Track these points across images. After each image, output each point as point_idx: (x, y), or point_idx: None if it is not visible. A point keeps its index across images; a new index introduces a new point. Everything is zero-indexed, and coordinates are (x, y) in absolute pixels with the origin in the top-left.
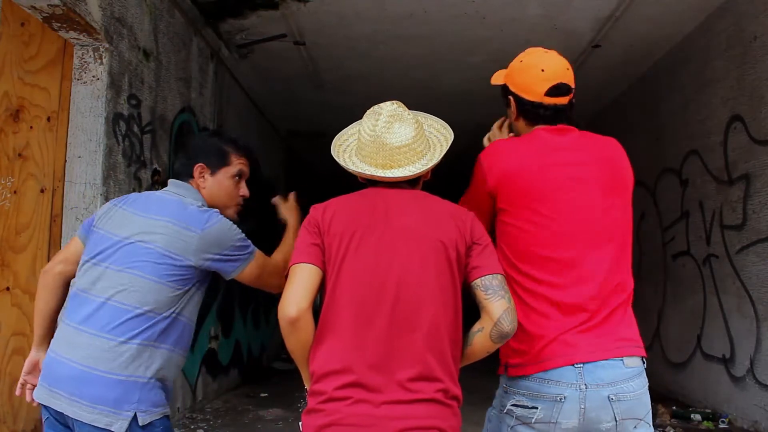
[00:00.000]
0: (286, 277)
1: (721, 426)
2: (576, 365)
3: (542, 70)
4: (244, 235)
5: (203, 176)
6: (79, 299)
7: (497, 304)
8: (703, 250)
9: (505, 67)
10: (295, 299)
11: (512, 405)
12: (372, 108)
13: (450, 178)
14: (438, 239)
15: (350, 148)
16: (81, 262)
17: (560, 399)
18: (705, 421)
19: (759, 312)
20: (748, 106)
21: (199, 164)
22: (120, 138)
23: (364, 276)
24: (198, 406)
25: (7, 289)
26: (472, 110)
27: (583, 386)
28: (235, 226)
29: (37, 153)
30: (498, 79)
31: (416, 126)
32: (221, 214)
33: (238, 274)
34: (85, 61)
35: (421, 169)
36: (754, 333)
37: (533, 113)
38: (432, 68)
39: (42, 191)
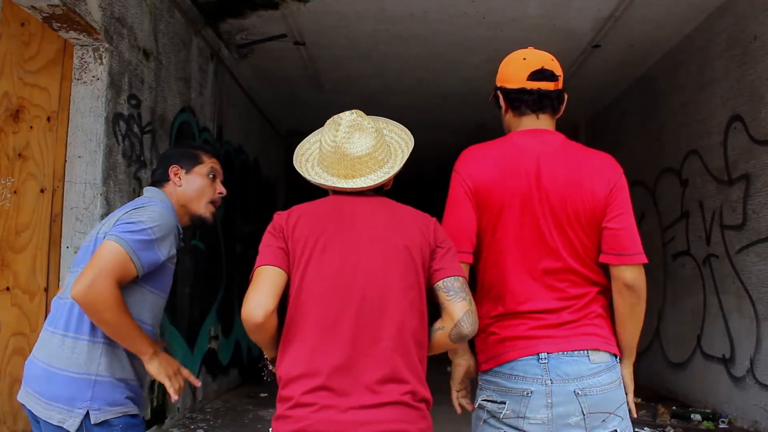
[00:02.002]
0: (250, 280)
1: (721, 426)
2: (540, 359)
3: (524, 59)
4: (152, 243)
5: (178, 176)
6: (53, 304)
7: (458, 305)
8: (703, 250)
9: None
10: (261, 301)
11: (483, 400)
12: (332, 118)
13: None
14: (403, 244)
15: (312, 158)
16: None
17: (527, 394)
18: (705, 421)
19: (759, 312)
20: (748, 106)
21: (173, 165)
22: (120, 138)
23: (328, 279)
24: (198, 406)
25: (7, 289)
26: (472, 110)
27: (548, 381)
28: (163, 229)
29: (37, 153)
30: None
31: (376, 135)
32: (196, 212)
33: (103, 241)
34: (85, 61)
35: (383, 178)
36: (754, 333)
37: (518, 100)
38: (432, 68)
39: (42, 191)
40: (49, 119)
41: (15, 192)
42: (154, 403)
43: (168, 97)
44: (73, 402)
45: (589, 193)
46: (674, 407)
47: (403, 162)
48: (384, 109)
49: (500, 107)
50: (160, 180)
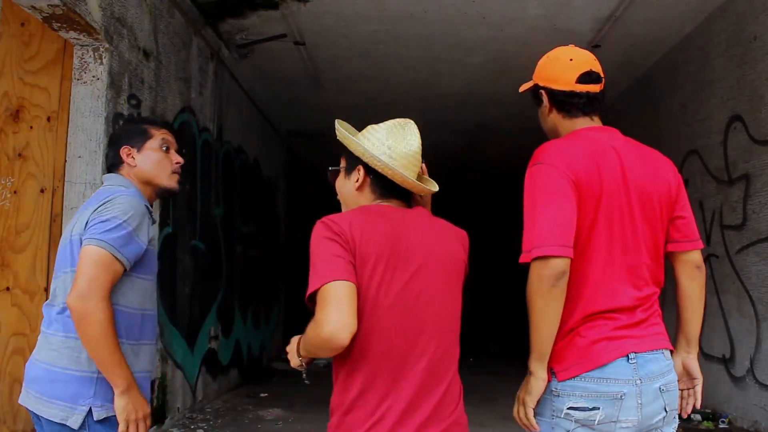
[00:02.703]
0: (312, 302)
1: (721, 426)
2: (630, 359)
3: (570, 60)
4: (129, 236)
5: (131, 156)
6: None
7: None
8: (703, 250)
9: (505, 67)
10: (346, 322)
11: (569, 408)
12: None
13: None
14: (452, 260)
15: (378, 139)
16: None
17: (620, 396)
18: (705, 421)
19: (759, 312)
20: (748, 106)
21: (124, 146)
22: None
23: (398, 308)
24: (198, 406)
25: (7, 289)
26: (472, 110)
27: (638, 381)
28: (136, 218)
29: (37, 153)
30: (526, 86)
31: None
32: (162, 185)
33: (83, 246)
34: (85, 61)
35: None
36: (754, 333)
37: (567, 103)
38: (432, 68)
39: (42, 191)
40: (49, 119)
41: (15, 192)
42: (154, 403)
43: (168, 97)
44: (76, 399)
45: (666, 185)
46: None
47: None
48: (384, 109)
49: (539, 104)
50: (114, 164)
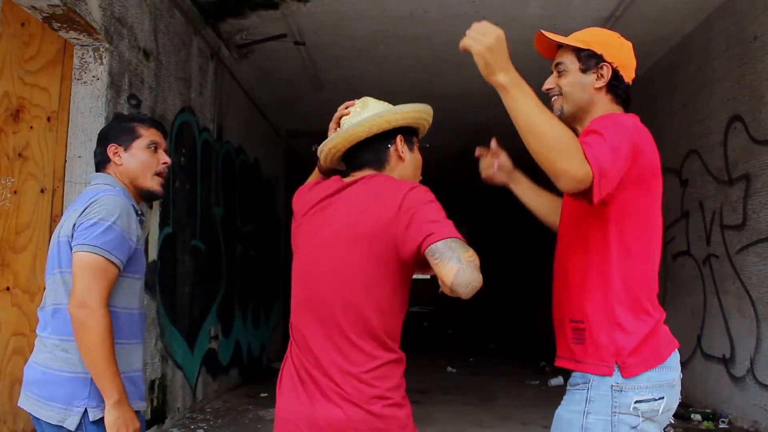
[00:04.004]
0: None
1: (721, 426)
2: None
3: (634, 56)
4: (121, 239)
5: (117, 154)
6: None
7: (446, 268)
8: (703, 250)
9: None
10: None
11: (636, 402)
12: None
13: (451, 178)
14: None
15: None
16: None
17: (674, 384)
18: (705, 421)
19: (759, 312)
20: (748, 106)
21: (111, 144)
22: None
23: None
24: (198, 406)
25: (7, 289)
26: (472, 110)
27: (679, 369)
28: (124, 219)
29: (37, 153)
30: (581, 42)
31: (376, 107)
32: (144, 186)
33: (77, 252)
34: (85, 61)
35: (357, 124)
36: (754, 333)
37: (626, 93)
38: (432, 68)
39: (42, 191)
40: (49, 119)
41: (15, 192)
42: (154, 403)
43: (168, 97)
44: (71, 401)
45: None
46: None
47: (397, 114)
48: None
49: (586, 70)
50: (101, 162)
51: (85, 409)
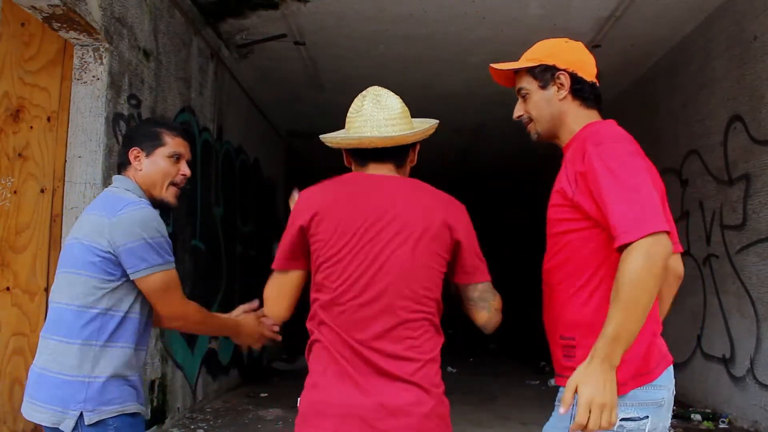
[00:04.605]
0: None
1: (721, 426)
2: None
3: (589, 52)
4: (166, 244)
5: (138, 159)
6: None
7: (480, 315)
8: (703, 250)
9: None
10: None
11: (622, 420)
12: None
13: (451, 178)
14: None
15: (340, 135)
16: None
17: (662, 403)
18: (705, 421)
19: (759, 312)
20: (748, 106)
21: (134, 148)
22: (120, 138)
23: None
24: (198, 406)
25: (7, 289)
26: (472, 110)
27: (672, 386)
28: (160, 227)
29: (37, 153)
30: (528, 62)
31: (401, 103)
32: (157, 196)
33: (142, 278)
34: (85, 61)
35: (413, 132)
36: (754, 333)
37: (592, 93)
38: (432, 68)
39: (42, 191)
40: (49, 119)
41: (15, 192)
42: (154, 403)
43: (168, 97)
44: (67, 404)
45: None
46: (674, 407)
47: (432, 131)
48: None
49: (545, 86)
50: (123, 163)
51: (81, 412)
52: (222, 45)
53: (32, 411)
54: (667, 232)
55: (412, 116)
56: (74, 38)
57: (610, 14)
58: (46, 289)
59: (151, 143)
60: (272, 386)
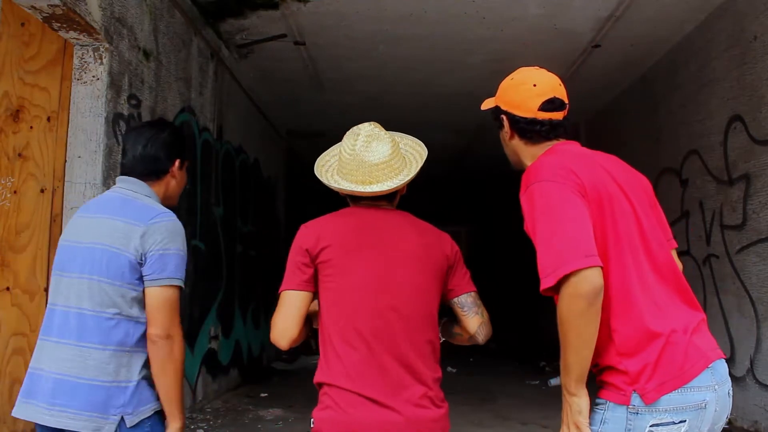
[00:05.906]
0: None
1: None
2: (709, 366)
3: (534, 85)
4: (184, 256)
5: (179, 169)
6: (50, 313)
7: (472, 320)
8: (703, 250)
9: (505, 67)
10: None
11: (652, 426)
12: (351, 129)
13: (451, 178)
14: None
15: (332, 168)
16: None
17: (704, 405)
18: None
19: (759, 312)
20: (748, 106)
21: (178, 158)
22: (120, 138)
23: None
24: (198, 406)
25: (7, 289)
26: (472, 110)
27: (716, 386)
28: (182, 242)
29: (37, 153)
30: (488, 103)
31: (392, 145)
32: (171, 205)
33: (158, 286)
34: (85, 61)
35: (399, 184)
36: (754, 333)
37: (529, 130)
38: (432, 68)
39: (42, 191)
40: (49, 119)
41: (15, 192)
42: None
43: (168, 97)
44: (107, 409)
45: (643, 185)
46: None
47: (418, 170)
48: (384, 109)
49: (500, 126)
50: (160, 170)
51: (122, 416)
52: (222, 45)
53: (64, 419)
54: (589, 266)
55: (413, 116)
56: (74, 38)
57: (610, 14)
58: (46, 289)
59: (186, 155)
60: (272, 386)
